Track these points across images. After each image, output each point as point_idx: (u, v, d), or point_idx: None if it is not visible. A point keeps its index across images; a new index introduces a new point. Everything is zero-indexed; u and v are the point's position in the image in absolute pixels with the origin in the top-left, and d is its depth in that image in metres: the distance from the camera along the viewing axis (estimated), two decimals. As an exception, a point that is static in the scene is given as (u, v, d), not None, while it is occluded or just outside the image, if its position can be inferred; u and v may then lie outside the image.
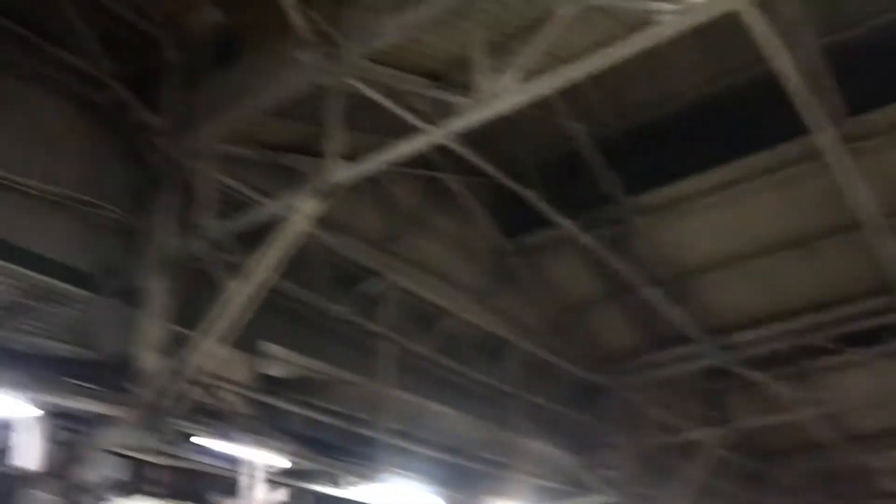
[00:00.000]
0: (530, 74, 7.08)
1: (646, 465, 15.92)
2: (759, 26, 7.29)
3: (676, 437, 16.19)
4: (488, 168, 10.88)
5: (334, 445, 10.82)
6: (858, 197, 10.32)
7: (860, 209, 10.63)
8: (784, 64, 8.11)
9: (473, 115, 7.52)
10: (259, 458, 9.50)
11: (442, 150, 10.63)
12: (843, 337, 14.09)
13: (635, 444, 15.45)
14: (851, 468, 21.14)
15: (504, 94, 7.20)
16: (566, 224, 11.92)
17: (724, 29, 8.15)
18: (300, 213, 8.10)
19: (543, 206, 11.57)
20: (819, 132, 9.31)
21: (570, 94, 11.20)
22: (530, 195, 11.39)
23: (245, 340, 9.43)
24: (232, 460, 9.41)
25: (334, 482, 10.73)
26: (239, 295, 8.28)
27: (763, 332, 14.19)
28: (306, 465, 10.13)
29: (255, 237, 8.54)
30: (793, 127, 9.56)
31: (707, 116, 11.48)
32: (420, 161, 11.37)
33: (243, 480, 9.42)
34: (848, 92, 10.01)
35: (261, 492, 9.51)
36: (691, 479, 16.03)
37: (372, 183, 11.24)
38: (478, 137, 10.41)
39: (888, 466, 21.67)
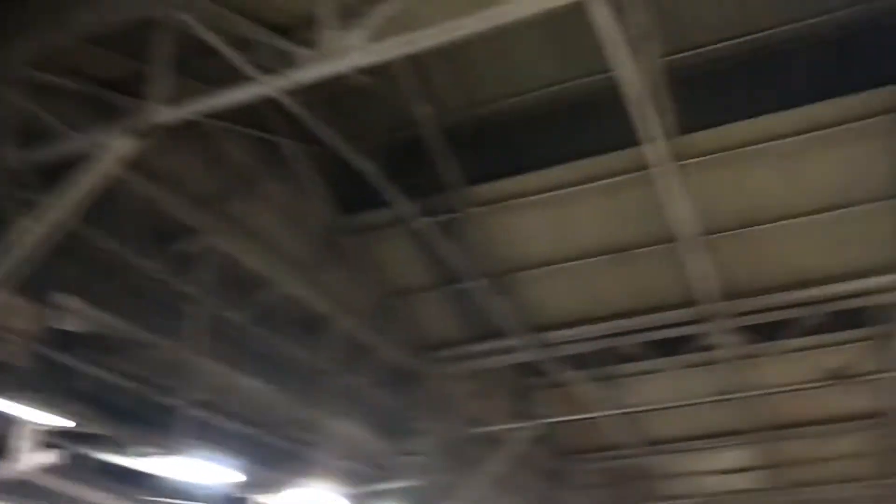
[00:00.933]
0: (377, 36, 6.82)
1: (451, 454, 16.10)
2: (608, 27, 7.39)
3: (484, 428, 16.51)
4: (329, 137, 10.48)
5: (127, 410, 10.07)
6: (678, 213, 10.84)
7: (677, 225, 11.17)
8: (627, 72, 8.30)
9: (313, 68, 7.17)
10: (37, 417, 8.63)
11: (284, 113, 10.14)
12: (649, 344, 14.91)
13: (443, 433, 15.56)
14: (643, 470, 22.52)
15: (348, 52, 6.91)
16: (402, 206, 11.76)
17: (578, 30, 8.29)
18: (110, 151, 7.39)
19: (382, 185, 11.33)
20: (650, 145, 9.66)
21: (422, 76, 11.14)
22: (371, 171, 11.10)
23: (35, 288, 8.53)
24: (5, 417, 8.50)
25: (122, 450, 9.97)
26: (30, 234, 7.44)
27: (576, 333, 14.71)
28: (92, 428, 9.34)
29: (58, 173, 7.73)
30: (627, 137, 9.89)
31: (553, 115, 11.73)
32: (258, 121, 10.83)
33: (15, 440, 8.53)
34: (681, 111, 10.55)
35: (33, 453, 8.65)
36: (493, 471, 16.39)
37: (203, 137, 10.58)
38: (324, 107, 10.04)
39: (677, 471, 23.30)
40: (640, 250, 13.11)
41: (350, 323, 13.56)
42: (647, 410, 18.47)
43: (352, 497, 13.68)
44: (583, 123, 11.57)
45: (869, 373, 15.21)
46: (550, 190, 12.43)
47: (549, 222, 13.00)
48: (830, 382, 14.56)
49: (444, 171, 11.93)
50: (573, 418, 18.19)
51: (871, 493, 25.15)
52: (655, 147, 9.65)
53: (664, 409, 18.62)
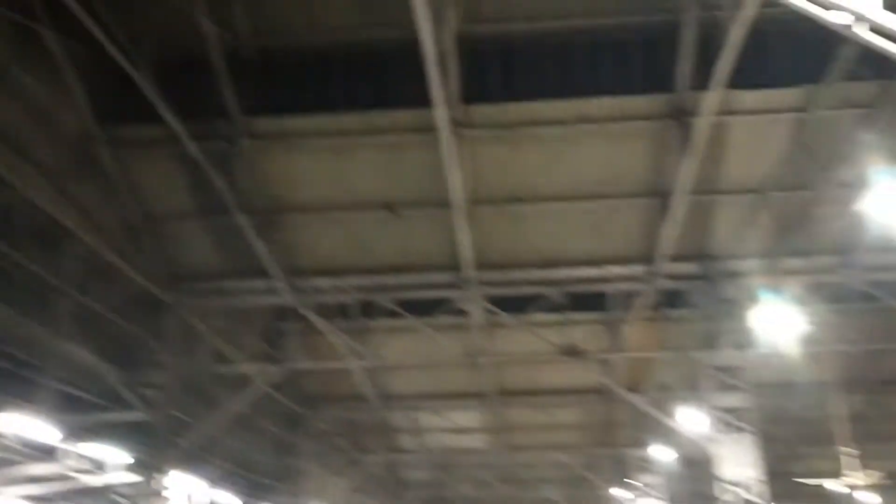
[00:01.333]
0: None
1: (191, 390, 15.52)
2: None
3: (229, 367, 16.07)
4: (100, 35, 9.43)
5: None
6: (452, 179, 11.09)
7: (451, 190, 11.44)
8: (425, 32, 8.28)
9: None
10: None
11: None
12: (406, 303, 15.24)
13: (185, 368, 14.92)
14: (380, 423, 23.20)
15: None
16: (172, 126, 10.92)
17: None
18: None
19: (153, 99, 10.43)
20: (437, 108, 9.75)
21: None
22: (141, 81, 10.16)
23: None
24: None
25: None
26: None
27: (338, 283, 14.71)
28: None
29: None
30: (417, 97, 9.92)
31: (348, 62, 11.47)
32: (18, 4, 9.53)
33: None
34: (471, 81, 10.79)
35: None
36: (232, 411, 16.04)
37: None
38: (101, 2, 9.04)
39: (413, 427, 24.26)
40: (412, 210, 13.31)
41: (95, 241, 12.47)
42: (394, 367, 19.00)
43: (74, 427, 12.77)
44: (376, 75, 11.46)
45: (597, 352, 16.67)
46: (333, 135, 12.21)
47: (326, 168, 12.78)
48: (563, 358, 15.72)
49: (223, 97, 11.29)
50: (321, 366, 18.25)
51: (584, 460, 27.93)
52: (440, 111, 9.77)
53: (410, 366, 19.28)
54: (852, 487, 14.66)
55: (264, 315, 17.53)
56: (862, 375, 19.26)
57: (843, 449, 11.07)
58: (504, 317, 15.72)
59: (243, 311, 16.42)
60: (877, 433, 22.72)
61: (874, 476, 11.64)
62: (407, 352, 16.83)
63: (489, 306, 15.09)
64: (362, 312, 16.50)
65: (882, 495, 31.25)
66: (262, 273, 14.02)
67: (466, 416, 23.31)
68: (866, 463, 21.06)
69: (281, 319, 17.24)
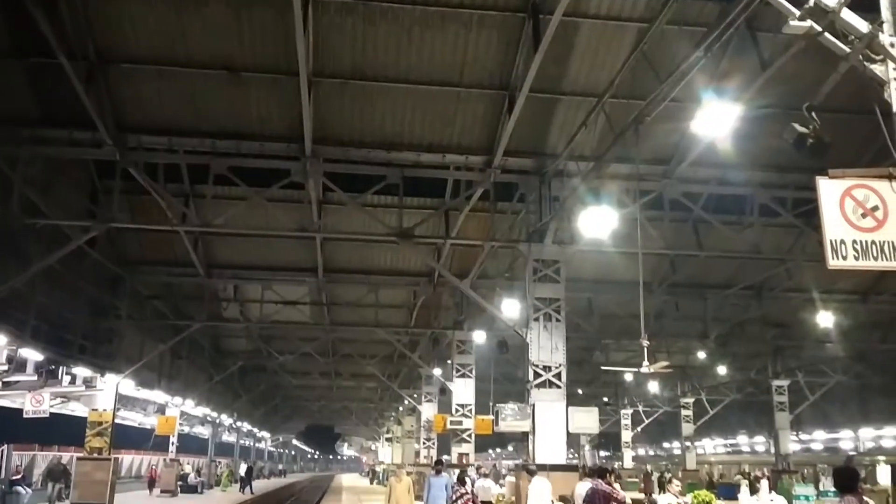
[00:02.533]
0: None
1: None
2: None
3: (44, 221, 15.07)
4: None
5: None
6: (300, 46, 10.66)
7: (298, 58, 11.01)
8: None
9: None
10: None
11: None
12: (240, 170, 14.79)
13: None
14: (203, 290, 22.80)
15: None
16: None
17: None
18: None
19: None
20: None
21: None
22: None
23: None
24: None
25: None
26: None
27: (169, 143, 14.03)
28: None
29: None
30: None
31: None
32: None
33: None
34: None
35: None
36: (43, 266, 15.22)
37: None
38: None
39: (235, 296, 24.07)
40: (259, 75, 12.78)
41: None
42: (222, 235, 18.58)
43: None
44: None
45: (429, 237, 17.06)
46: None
47: (165, 20, 11.88)
48: (395, 240, 15.97)
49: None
50: (145, 228, 17.56)
51: (405, 339, 28.95)
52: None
53: (239, 236, 18.92)
54: (643, 375, 16.18)
55: (87, 169, 16.48)
56: (665, 278, 21.04)
57: (642, 342, 12.19)
58: (340, 194, 15.68)
59: (63, 163, 15.34)
60: (672, 329, 25.17)
61: (659, 365, 13.04)
62: (238, 221, 16.45)
63: (326, 182, 14.96)
64: (194, 177, 15.88)
65: (660, 381, 34.83)
66: (86, 124, 13.08)
67: (293, 290, 23.38)
68: (657, 355, 23.30)
69: (105, 176, 16.26)
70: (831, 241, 5.33)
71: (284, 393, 51.60)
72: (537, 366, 15.12)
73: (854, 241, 5.34)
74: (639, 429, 44.38)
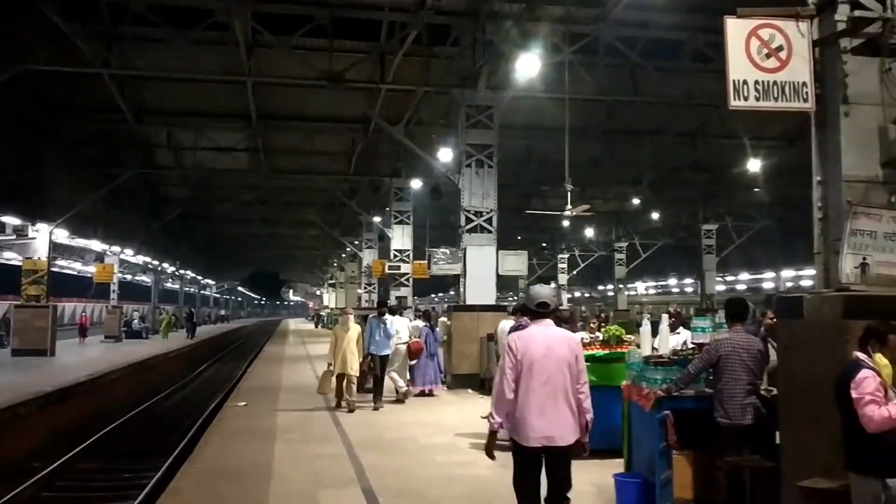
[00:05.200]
0: None
1: None
2: None
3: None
4: None
5: None
6: None
7: None
8: None
9: None
10: None
11: None
12: (162, 9, 14.11)
13: None
14: (135, 137, 22.24)
15: None
16: None
17: None
18: None
19: None
20: None
21: None
22: None
23: None
24: None
25: None
26: None
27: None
28: None
29: None
30: None
31: None
32: None
33: None
34: None
35: None
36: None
37: None
38: None
39: (171, 143, 23.50)
40: None
41: None
42: (147, 78, 17.89)
43: None
44: None
45: (360, 81, 16.71)
46: None
47: None
48: (327, 85, 15.64)
49: None
50: (66, 70, 16.79)
51: (344, 187, 28.92)
52: None
53: (167, 80, 18.26)
54: (567, 218, 16.67)
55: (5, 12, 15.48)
56: (601, 124, 21.16)
57: (566, 186, 12.53)
58: (269, 37, 15.14)
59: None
60: (608, 175, 25.64)
61: (581, 208, 13.54)
62: (162, 64, 15.83)
63: (254, 24, 14.41)
64: (114, 17, 15.09)
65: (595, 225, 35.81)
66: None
67: (228, 137, 22.93)
68: (592, 200, 23.85)
69: (18, 13, 15.31)
70: (734, 80, 5.43)
71: (227, 240, 51.67)
72: (469, 211, 15.40)
73: (756, 82, 5.45)
74: (575, 272, 46.03)
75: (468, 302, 15.48)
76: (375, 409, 12.61)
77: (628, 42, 15.96)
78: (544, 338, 5.00)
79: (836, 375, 4.56)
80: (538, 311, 5.09)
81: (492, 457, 5.03)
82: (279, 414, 12.38)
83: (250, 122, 20.37)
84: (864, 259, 5.23)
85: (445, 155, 17.20)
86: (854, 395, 4.29)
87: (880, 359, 4.52)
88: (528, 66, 13.69)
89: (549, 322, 5.10)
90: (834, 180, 5.46)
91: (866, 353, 4.51)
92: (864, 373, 4.33)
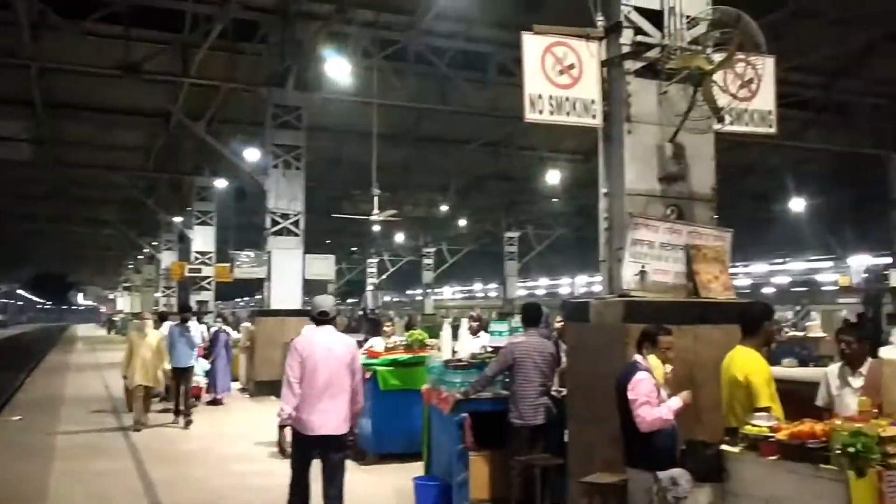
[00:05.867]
0: None
1: None
2: None
3: None
4: None
5: None
6: None
7: None
8: None
9: None
10: None
11: None
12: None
13: None
14: None
15: None
16: None
17: None
18: None
19: None
20: None
21: None
22: None
23: None
24: None
25: None
26: None
27: None
28: None
29: None
30: None
31: None
32: None
33: None
34: None
35: None
36: None
37: None
38: None
39: None
40: None
41: None
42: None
43: None
44: None
45: (160, 73, 15.82)
46: None
47: None
48: (122, 74, 14.68)
49: None
50: None
51: (141, 184, 27.29)
52: None
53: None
54: (373, 222, 16.77)
55: None
56: (411, 131, 21.44)
57: (373, 191, 12.63)
58: (57, 19, 13.98)
59: None
60: (417, 181, 26.05)
61: (387, 214, 13.77)
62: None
63: (40, 5, 13.26)
64: None
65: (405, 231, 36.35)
66: None
67: (7, 125, 20.92)
68: (403, 206, 24.13)
69: None
70: (530, 94, 5.65)
71: (6, 239, 47.13)
72: (275, 213, 15.06)
73: (551, 97, 5.71)
74: (384, 276, 46.36)
75: (273, 307, 15.10)
76: (186, 426, 11.52)
77: (438, 52, 16.26)
78: (325, 341, 5.71)
79: (616, 376, 4.86)
80: (320, 318, 5.79)
81: (284, 453, 5.57)
82: (61, 428, 11.43)
83: (34, 111, 18.71)
84: (643, 267, 5.62)
85: (252, 155, 16.70)
86: (630, 396, 4.60)
87: (653, 360, 4.87)
88: (338, 68, 13.63)
89: (330, 328, 5.82)
90: (618, 193, 5.83)
91: (642, 355, 4.84)
92: (639, 375, 4.64)
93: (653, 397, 4.59)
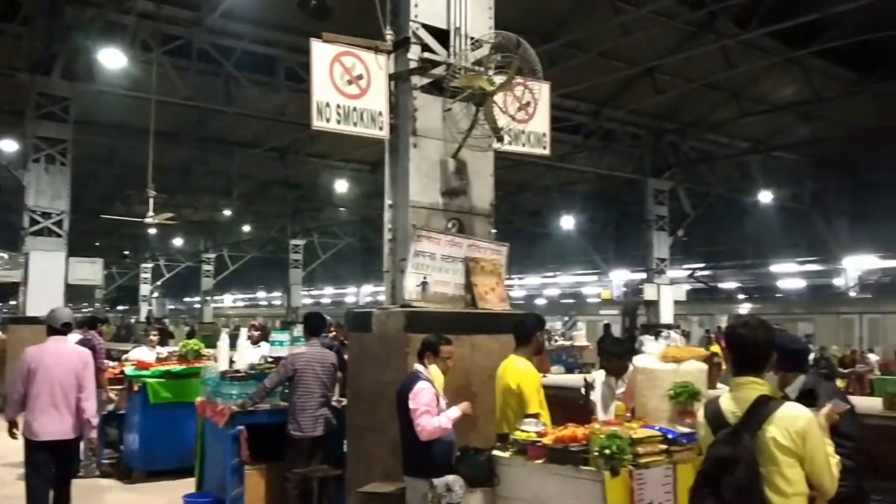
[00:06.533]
0: None
1: None
2: None
3: None
4: None
5: None
6: None
7: None
8: None
9: None
10: None
11: None
12: None
13: None
14: None
15: None
16: None
17: None
18: None
19: None
20: None
21: None
22: None
23: None
24: None
25: None
26: None
27: None
28: None
29: None
30: None
31: None
32: None
33: None
34: None
35: None
36: None
37: None
38: None
39: None
40: None
41: None
42: None
43: None
44: None
45: None
46: None
47: None
48: None
49: None
50: None
51: None
52: None
53: None
54: (148, 225, 15.88)
55: None
56: (193, 131, 20.51)
57: (148, 192, 11.94)
58: None
59: None
60: (198, 184, 24.95)
61: (163, 217, 13.10)
62: None
63: None
64: None
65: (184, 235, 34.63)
66: None
67: None
68: (182, 209, 23.00)
69: None
70: (317, 102, 5.59)
71: None
72: (35, 212, 13.79)
73: (338, 106, 5.69)
74: (159, 282, 43.92)
75: (29, 313, 13.76)
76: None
77: (224, 51, 15.69)
78: (58, 351, 5.96)
79: (398, 386, 4.92)
80: (64, 329, 6.04)
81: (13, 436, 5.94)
82: None
83: None
84: (425, 278, 5.74)
85: (8, 146, 15.17)
86: (411, 405, 4.67)
87: (434, 369, 4.98)
88: (113, 59, 12.78)
89: (65, 338, 6.10)
90: (403, 205, 5.92)
91: (423, 364, 4.94)
92: (420, 384, 4.73)
93: (433, 407, 4.69)
